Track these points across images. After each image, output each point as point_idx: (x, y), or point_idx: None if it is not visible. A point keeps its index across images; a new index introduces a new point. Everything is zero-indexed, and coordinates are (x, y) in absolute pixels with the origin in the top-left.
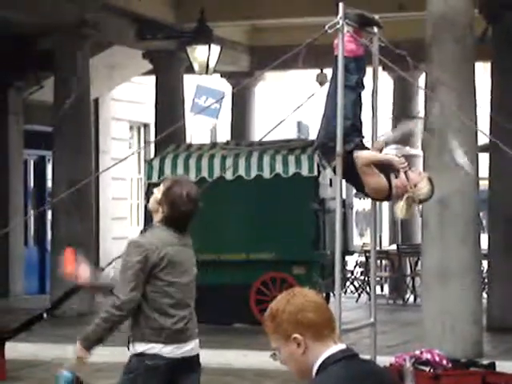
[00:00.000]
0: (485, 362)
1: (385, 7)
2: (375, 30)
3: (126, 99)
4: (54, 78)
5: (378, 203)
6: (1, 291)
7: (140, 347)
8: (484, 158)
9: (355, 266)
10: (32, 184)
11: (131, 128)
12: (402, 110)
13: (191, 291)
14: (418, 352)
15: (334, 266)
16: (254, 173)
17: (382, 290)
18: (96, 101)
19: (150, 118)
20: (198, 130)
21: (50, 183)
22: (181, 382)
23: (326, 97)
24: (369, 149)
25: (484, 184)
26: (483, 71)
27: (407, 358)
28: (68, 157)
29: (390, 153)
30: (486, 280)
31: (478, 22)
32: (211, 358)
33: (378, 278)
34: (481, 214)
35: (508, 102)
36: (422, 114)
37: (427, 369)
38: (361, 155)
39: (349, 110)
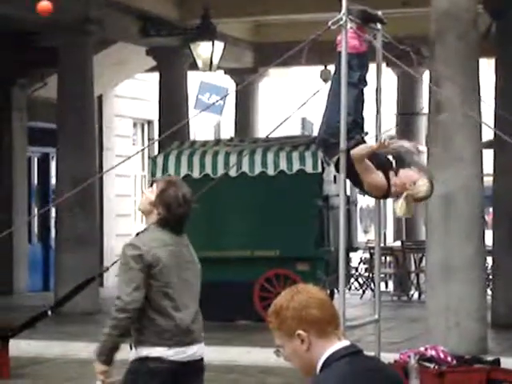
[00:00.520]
0: (489, 358)
1: (388, 3)
2: (379, 26)
3: (130, 96)
4: (57, 74)
5: (382, 200)
6: (5, 289)
7: (143, 351)
8: (488, 155)
9: (359, 263)
10: (36, 181)
11: (135, 125)
12: (406, 106)
13: (192, 292)
14: (422, 349)
15: (338, 263)
16: (258, 169)
17: (386, 286)
18: (100, 98)
19: (153, 114)
20: (202, 126)
21: (53, 180)
22: None
23: (328, 93)
24: (376, 154)
25: (488, 180)
26: (487, 67)
27: (412, 354)
28: (72, 154)
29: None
30: (490, 276)
31: (482, 18)
32: (215, 354)
33: (382, 275)
34: (485, 211)
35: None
36: (425, 109)
37: (432, 365)
38: (356, 150)
39: (351, 106)
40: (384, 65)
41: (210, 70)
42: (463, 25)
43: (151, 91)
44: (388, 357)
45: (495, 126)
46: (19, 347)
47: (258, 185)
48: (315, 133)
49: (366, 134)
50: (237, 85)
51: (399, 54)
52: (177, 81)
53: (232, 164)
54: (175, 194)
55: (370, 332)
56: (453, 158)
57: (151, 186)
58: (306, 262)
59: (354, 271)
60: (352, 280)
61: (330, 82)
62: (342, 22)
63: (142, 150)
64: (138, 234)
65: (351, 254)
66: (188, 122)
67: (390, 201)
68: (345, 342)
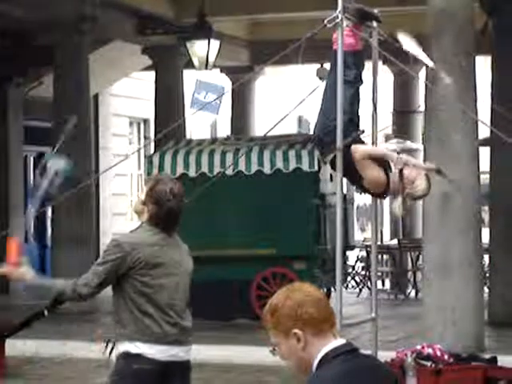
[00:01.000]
0: (486, 356)
1: (384, 1)
2: (375, 24)
3: (126, 95)
4: (53, 73)
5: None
6: (0, 288)
7: (124, 347)
8: (485, 152)
9: (356, 261)
10: (32, 180)
11: (131, 124)
12: (403, 104)
13: (179, 293)
14: (419, 347)
15: (334, 261)
16: (254, 168)
17: (383, 284)
18: (96, 96)
19: (149, 113)
20: (199, 125)
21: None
22: None
23: (324, 91)
24: (366, 144)
25: (485, 178)
26: (484, 65)
27: (408, 352)
28: (68, 153)
29: (391, 147)
30: (487, 274)
31: (478, 15)
32: (212, 353)
33: (379, 273)
34: (482, 208)
35: (509, 95)
36: (422, 107)
37: (429, 364)
38: (359, 148)
39: (346, 104)
40: (380, 63)
41: (206, 68)
42: (459, 22)
43: (147, 90)
44: (385, 355)
45: (492, 124)
46: (15, 347)
47: (255, 183)
48: (311, 131)
49: (362, 132)
50: (233, 83)
51: (395, 52)
52: (173, 79)
53: (228, 163)
54: (163, 189)
55: (366, 330)
56: (449, 156)
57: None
58: (302, 260)
59: (350, 269)
60: (349, 278)
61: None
62: (338, 20)
63: (139, 149)
64: (131, 232)
65: (348, 253)
66: (184, 120)
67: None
68: (341, 341)
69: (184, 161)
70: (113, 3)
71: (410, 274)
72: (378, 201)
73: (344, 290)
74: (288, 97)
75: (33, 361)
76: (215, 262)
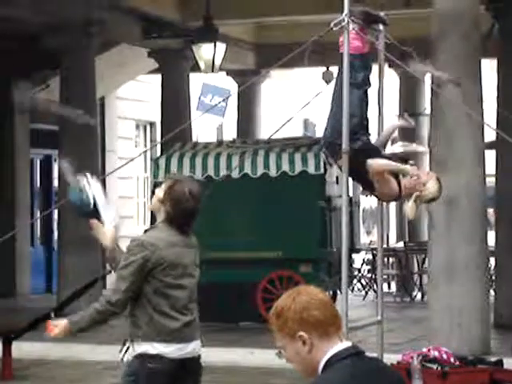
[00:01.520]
0: (492, 359)
1: (391, 4)
2: (381, 27)
3: (132, 98)
4: (59, 77)
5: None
6: (7, 291)
7: (140, 348)
8: (491, 155)
9: (362, 264)
10: (38, 183)
11: (137, 127)
12: (408, 107)
13: (193, 293)
14: (425, 350)
15: (340, 264)
16: (260, 171)
17: (389, 287)
18: (102, 99)
19: (155, 116)
20: (205, 128)
21: (56, 182)
22: (183, 383)
23: (333, 95)
24: (375, 150)
25: (491, 181)
26: (490, 69)
27: (414, 355)
28: (74, 156)
29: (397, 150)
30: (493, 277)
31: (484, 18)
32: (218, 356)
33: (385, 276)
34: (488, 211)
35: None
36: (428, 110)
37: (435, 366)
38: (375, 164)
39: (355, 107)
40: (386, 66)
41: (212, 71)
42: (465, 25)
43: (153, 93)
44: (391, 358)
45: (497, 127)
46: (22, 349)
47: (261, 186)
48: (317, 134)
49: (369, 135)
50: (239, 86)
51: (401, 55)
52: (179, 82)
53: (234, 165)
54: (182, 189)
55: (372, 333)
56: (455, 159)
57: (154, 188)
58: (308, 263)
59: (356, 272)
60: (355, 281)
61: (332, 83)
62: (344, 24)
63: (145, 151)
64: (146, 231)
65: (354, 256)
66: (190, 123)
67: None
68: (346, 343)
69: (190, 164)
70: (119, 7)
71: (415, 276)
72: (385, 204)
73: (350, 292)
74: (294, 100)
75: (39, 363)
76: (221, 264)
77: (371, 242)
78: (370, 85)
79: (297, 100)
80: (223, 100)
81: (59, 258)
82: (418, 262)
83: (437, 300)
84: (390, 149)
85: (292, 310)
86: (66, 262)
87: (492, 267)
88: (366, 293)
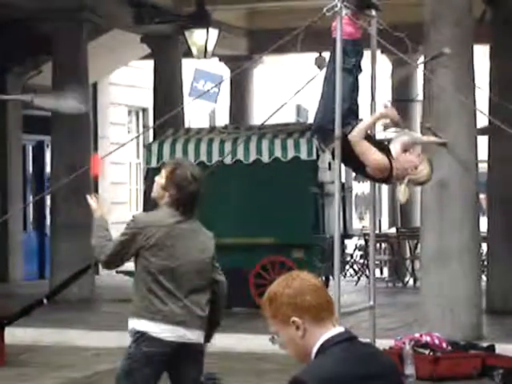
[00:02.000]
0: (484, 344)
1: None
2: (374, 12)
3: (124, 84)
4: (52, 62)
5: (377, 186)
6: (0, 277)
7: (133, 323)
8: (483, 141)
9: (355, 250)
10: (31, 169)
11: (129, 112)
12: (401, 93)
13: (191, 278)
14: (417, 335)
15: (333, 250)
16: (252, 157)
17: (381, 273)
18: (94, 85)
19: (148, 102)
20: (197, 114)
21: (48, 168)
22: (182, 368)
23: (324, 80)
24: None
25: (483, 167)
26: (483, 55)
27: (407, 341)
28: (67, 142)
29: (389, 136)
30: (485, 263)
31: (477, 4)
32: (211, 342)
33: (377, 262)
34: (480, 197)
35: (507, 84)
36: (420, 97)
37: (427, 352)
38: (352, 133)
39: (346, 92)
40: (379, 51)
41: (205, 57)
42: (458, 11)
43: (146, 79)
44: (383, 343)
45: (490, 113)
46: (14, 335)
47: (253, 172)
48: (310, 120)
49: (361, 120)
50: (231, 72)
51: (394, 41)
52: (171, 68)
53: (227, 151)
54: (184, 173)
55: (364, 318)
56: (447, 144)
57: (146, 174)
58: (301, 249)
59: (349, 258)
60: (347, 267)
61: (325, 69)
62: (336, 9)
63: (137, 137)
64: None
65: (346, 241)
66: (183, 109)
67: (385, 188)
68: (339, 329)
69: (183, 149)
70: None
71: (408, 262)
72: (377, 189)
73: (342, 278)
74: (286, 85)
75: (32, 349)
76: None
77: (363, 227)
78: (361, 70)
79: (289, 86)
80: (215, 86)
81: (52, 244)
82: (410, 247)
83: (429, 285)
84: (382, 135)
85: (285, 296)
86: (59, 248)
87: (484, 252)
88: (359, 278)
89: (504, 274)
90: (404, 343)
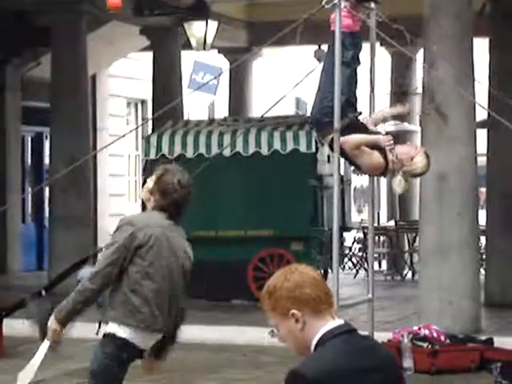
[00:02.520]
0: (483, 337)
1: None
2: (373, 5)
3: (124, 75)
4: (51, 54)
5: (375, 179)
6: None
7: (112, 327)
8: (482, 135)
9: (353, 243)
10: (29, 160)
11: (128, 104)
12: (400, 85)
13: (174, 284)
14: (415, 328)
15: (332, 242)
16: (251, 149)
17: (379, 266)
18: (93, 77)
19: (147, 94)
20: (196, 106)
21: (47, 160)
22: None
23: (321, 72)
24: (363, 127)
25: (482, 160)
26: (483, 48)
27: (405, 333)
28: (65, 133)
29: (389, 129)
30: (483, 256)
31: None
32: (209, 334)
33: (376, 255)
34: (479, 190)
35: (506, 77)
36: (419, 89)
37: (425, 345)
38: (347, 141)
39: (344, 85)
40: (378, 44)
41: (204, 49)
42: (457, 4)
43: (145, 71)
44: (381, 336)
45: (489, 106)
46: (13, 327)
47: (252, 165)
48: (309, 112)
49: (360, 113)
50: (231, 64)
51: (393, 34)
52: (170, 60)
53: (226, 144)
54: (171, 180)
55: (363, 311)
56: (447, 138)
57: (145, 166)
58: (300, 241)
59: (347, 251)
60: (346, 260)
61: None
62: (335, 1)
63: (136, 128)
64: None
65: (345, 234)
66: (182, 101)
67: (384, 181)
68: (339, 321)
69: (182, 142)
70: None
71: (406, 255)
72: (376, 182)
73: (341, 271)
74: (286, 78)
75: (31, 341)
76: (212, 242)
77: (362, 220)
78: (359, 63)
79: (289, 78)
80: (214, 78)
81: (50, 236)
82: (408, 240)
83: (427, 278)
84: (381, 127)
85: (284, 289)
86: (57, 240)
87: (483, 246)
88: (357, 271)
89: (503, 267)
90: (402, 336)
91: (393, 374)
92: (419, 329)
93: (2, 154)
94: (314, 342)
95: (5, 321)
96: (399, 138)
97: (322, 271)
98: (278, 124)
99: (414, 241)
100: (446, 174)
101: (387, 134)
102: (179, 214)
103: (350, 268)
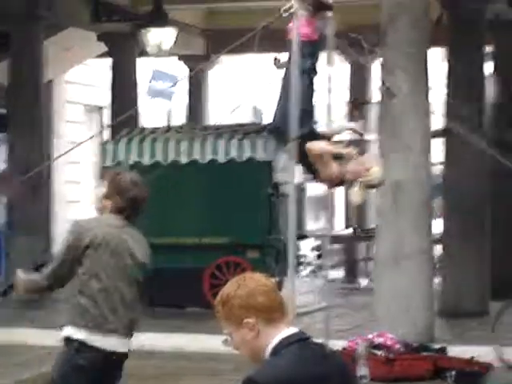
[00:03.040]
0: (436, 346)
1: None
2: (330, 14)
3: (81, 82)
4: (7, 60)
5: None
6: None
7: (67, 331)
8: (437, 144)
9: (310, 250)
10: None
11: (86, 111)
12: (358, 94)
13: (125, 281)
14: (370, 336)
15: (287, 251)
16: (208, 157)
17: (336, 274)
18: (50, 83)
19: (104, 101)
20: (154, 113)
21: (2, 165)
22: (106, 381)
23: (281, 81)
24: (320, 137)
25: (438, 169)
26: (441, 59)
27: (360, 341)
28: (22, 140)
29: (345, 138)
30: (439, 265)
31: (434, 6)
32: (164, 341)
33: (331, 262)
34: (434, 200)
35: (463, 86)
36: (375, 99)
37: (380, 353)
38: (312, 147)
39: (301, 94)
40: (336, 53)
41: (161, 56)
42: (415, 13)
43: (102, 77)
44: (337, 344)
45: (446, 116)
46: None
47: (209, 172)
48: (266, 121)
49: (316, 122)
50: (190, 71)
51: (352, 43)
52: (128, 67)
53: (183, 151)
54: (125, 179)
55: (319, 319)
56: (402, 147)
57: (101, 173)
58: (255, 249)
59: (303, 259)
60: (302, 267)
61: (282, 71)
62: (293, 10)
63: (92, 137)
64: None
65: (301, 242)
66: (137, 108)
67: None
68: (293, 329)
69: (138, 149)
70: None
71: (362, 263)
72: (332, 190)
73: (297, 279)
74: (244, 86)
75: None
76: (169, 249)
77: (318, 229)
78: (316, 73)
79: (246, 86)
80: (171, 86)
81: (7, 241)
82: (365, 248)
83: (382, 286)
84: (337, 137)
85: (238, 297)
86: (14, 245)
87: (438, 255)
88: (313, 279)
89: (458, 276)
90: (357, 344)
91: (347, 382)
92: (374, 337)
93: None
94: (268, 350)
95: None
96: (355, 146)
97: (278, 279)
98: (234, 132)
99: (370, 249)
100: (402, 183)
101: (342, 141)
102: (136, 213)
103: (306, 276)
